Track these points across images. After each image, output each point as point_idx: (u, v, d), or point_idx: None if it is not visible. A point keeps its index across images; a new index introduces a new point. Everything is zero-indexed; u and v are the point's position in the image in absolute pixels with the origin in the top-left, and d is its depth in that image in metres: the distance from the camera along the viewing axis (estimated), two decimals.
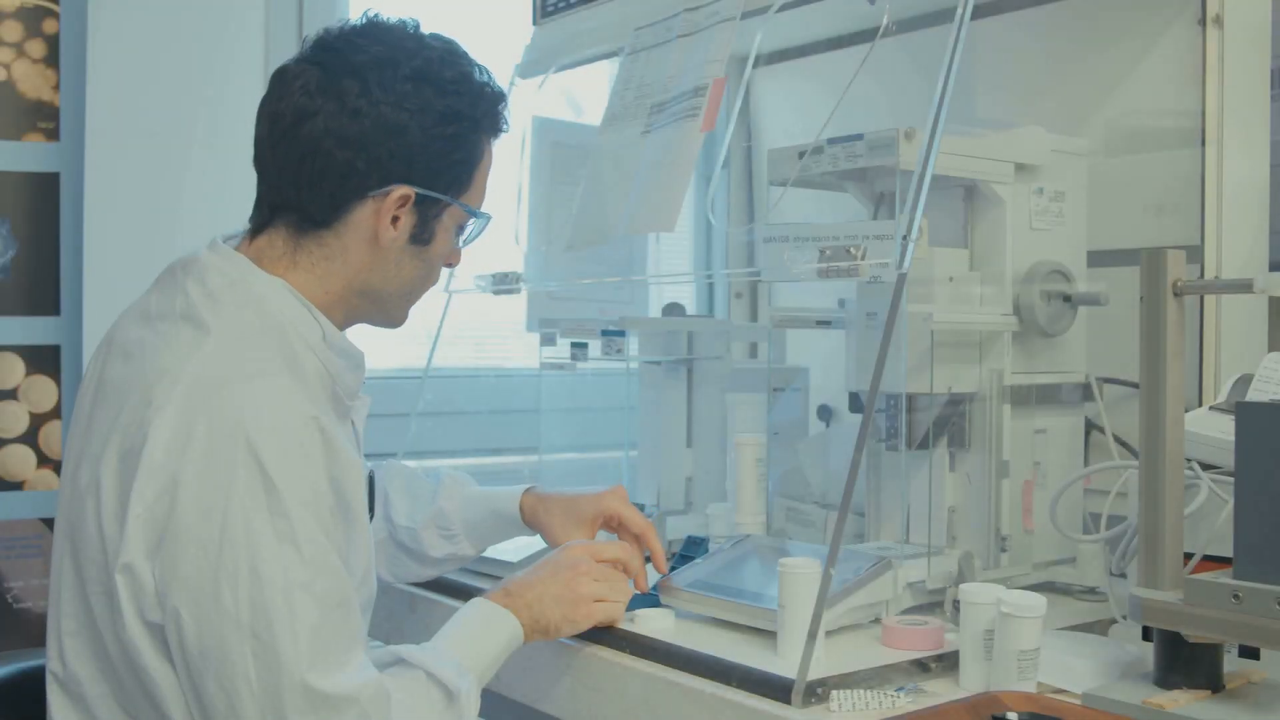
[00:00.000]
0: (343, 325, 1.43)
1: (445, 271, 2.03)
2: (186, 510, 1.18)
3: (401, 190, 1.36)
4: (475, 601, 1.43)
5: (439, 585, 1.74)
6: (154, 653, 1.21)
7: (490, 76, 1.43)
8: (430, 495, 1.70)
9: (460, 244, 1.49)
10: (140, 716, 1.26)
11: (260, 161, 1.39)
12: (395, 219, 1.38)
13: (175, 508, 1.18)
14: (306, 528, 1.20)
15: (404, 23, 1.40)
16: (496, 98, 1.44)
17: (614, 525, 1.63)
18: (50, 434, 2.28)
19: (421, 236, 1.41)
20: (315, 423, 1.25)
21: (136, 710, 1.26)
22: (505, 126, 1.47)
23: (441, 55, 1.39)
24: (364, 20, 1.40)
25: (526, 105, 2.13)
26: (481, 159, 1.44)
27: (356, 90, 1.33)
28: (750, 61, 1.84)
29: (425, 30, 1.41)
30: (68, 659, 1.28)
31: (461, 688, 1.30)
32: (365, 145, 1.34)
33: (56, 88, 2.28)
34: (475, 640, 1.38)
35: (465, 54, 1.42)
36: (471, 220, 1.47)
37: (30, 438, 2.27)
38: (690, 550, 1.67)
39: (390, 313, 1.48)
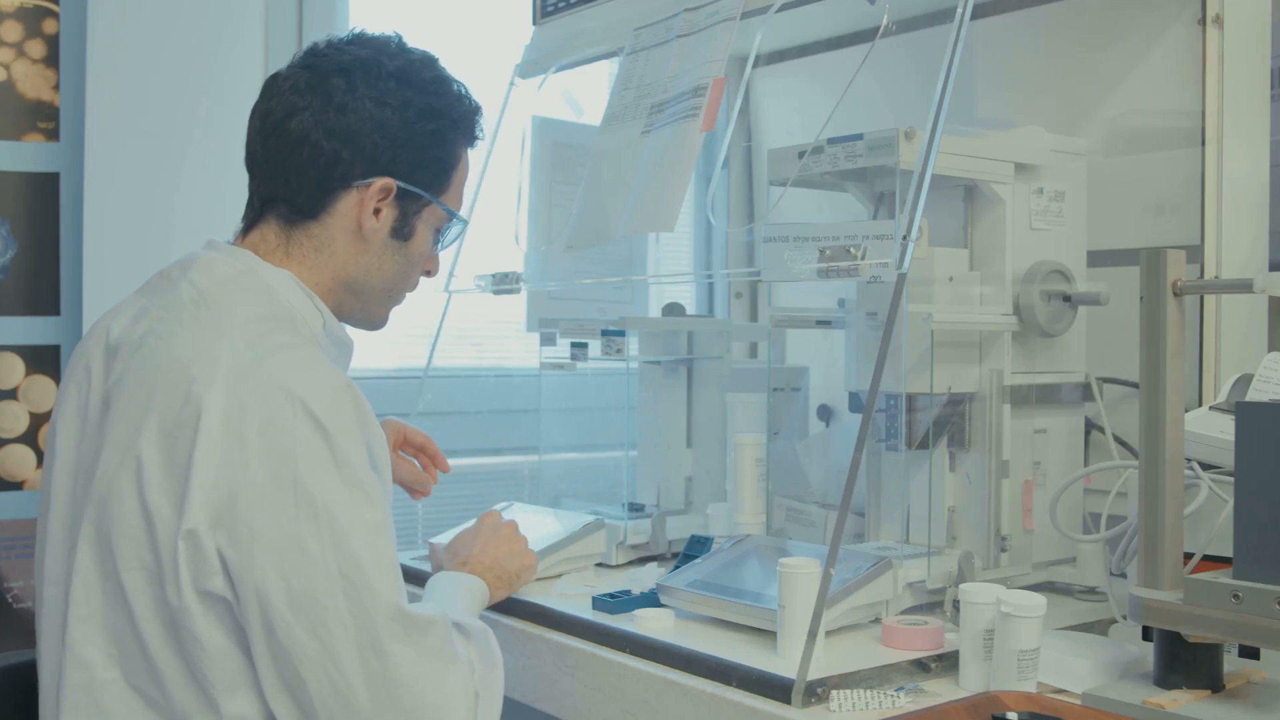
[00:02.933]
0: None
1: (445, 271, 2.04)
2: (256, 475, 1.23)
3: (383, 181, 1.44)
4: (438, 575, 1.55)
5: None
6: (205, 621, 1.25)
7: (467, 90, 1.52)
8: None
9: (438, 248, 1.56)
10: (158, 700, 1.28)
11: (251, 159, 1.47)
12: (377, 211, 1.45)
13: (246, 473, 1.23)
14: (367, 475, 1.28)
15: (387, 35, 1.49)
16: (473, 108, 1.52)
17: (401, 441, 1.84)
18: None
19: (402, 231, 1.48)
20: (350, 389, 1.30)
21: (154, 693, 1.28)
22: (480, 135, 1.54)
23: (422, 60, 1.49)
24: (351, 34, 1.49)
25: (526, 105, 2.13)
26: (458, 162, 1.52)
27: (343, 87, 1.42)
28: (750, 61, 1.84)
29: (408, 43, 1.50)
30: (75, 645, 1.29)
31: (477, 625, 1.40)
32: (351, 137, 1.41)
33: (56, 88, 2.28)
34: (457, 604, 1.48)
35: (443, 65, 1.51)
36: (450, 224, 1.54)
37: (30, 438, 2.27)
38: (694, 550, 1.68)
39: (371, 310, 1.53)
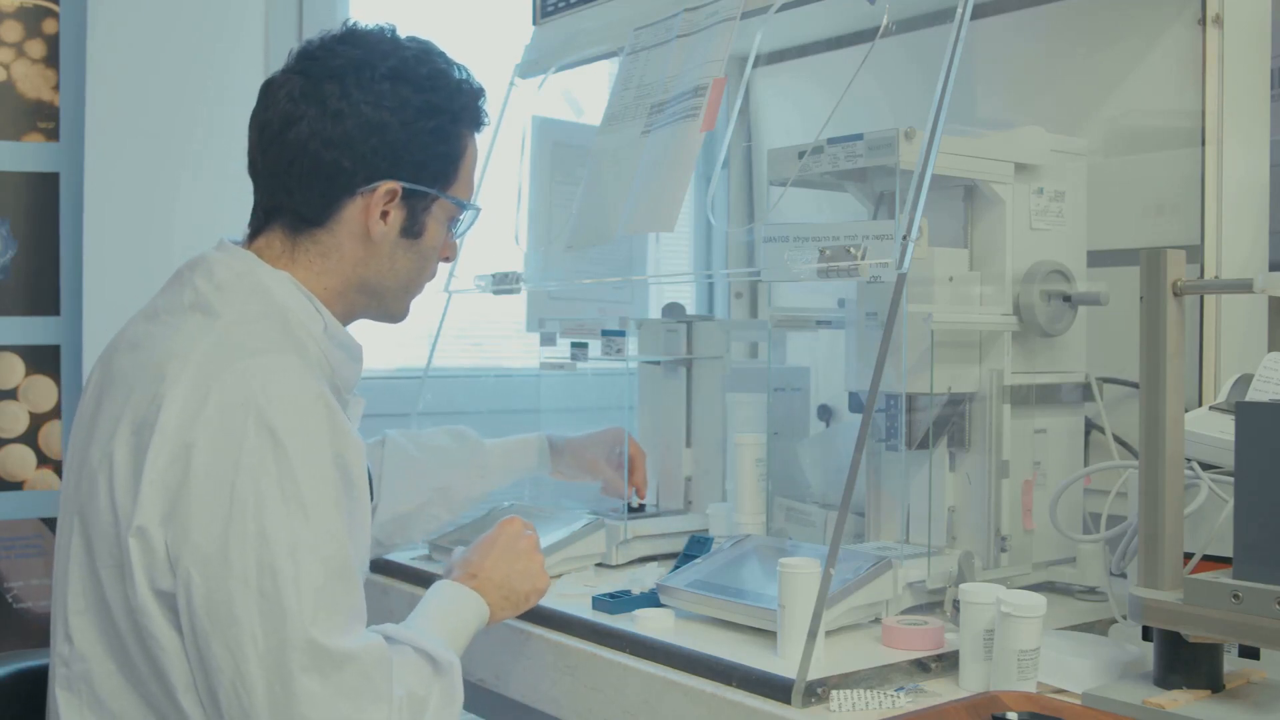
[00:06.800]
0: (344, 321, 1.47)
1: (445, 271, 2.04)
2: (198, 476, 1.22)
3: (388, 185, 1.41)
4: (441, 584, 1.48)
5: None
6: (162, 620, 1.24)
7: (468, 74, 1.48)
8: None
9: (454, 237, 1.54)
10: (147, 693, 1.27)
11: (253, 168, 1.45)
12: (385, 214, 1.43)
13: (188, 473, 1.22)
14: (315, 494, 1.24)
15: (381, 28, 1.46)
16: (475, 93, 1.48)
17: (618, 445, 1.92)
18: (50, 434, 2.28)
19: (412, 230, 1.46)
20: (322, 398, 1.28)
21: (143, 686, 1.27)
22: (485, 120, 1.51)
23: (416, 54, 1.44)
24: (343, 29, 1.45)
25: (526, 105, 2.13)
26: (465, 152, 1.49)
27: (336, 93, 1.39)
28: (750, 61, 1.84)
29: (402, 34, 1.47)
30: (74, 638, 1.30)
31: (448, 659, 1.34)
32: (349, 144, 1.39)
33: (56, 88, 2.28)
34: (448, 622, 1.42)
35: (441, 53, 1.47)
36: (462, 213, 1.51)
37: (30, 438, 2.27)
38: (694, 550, 1.68)
39: (389, 307, 1.51)
